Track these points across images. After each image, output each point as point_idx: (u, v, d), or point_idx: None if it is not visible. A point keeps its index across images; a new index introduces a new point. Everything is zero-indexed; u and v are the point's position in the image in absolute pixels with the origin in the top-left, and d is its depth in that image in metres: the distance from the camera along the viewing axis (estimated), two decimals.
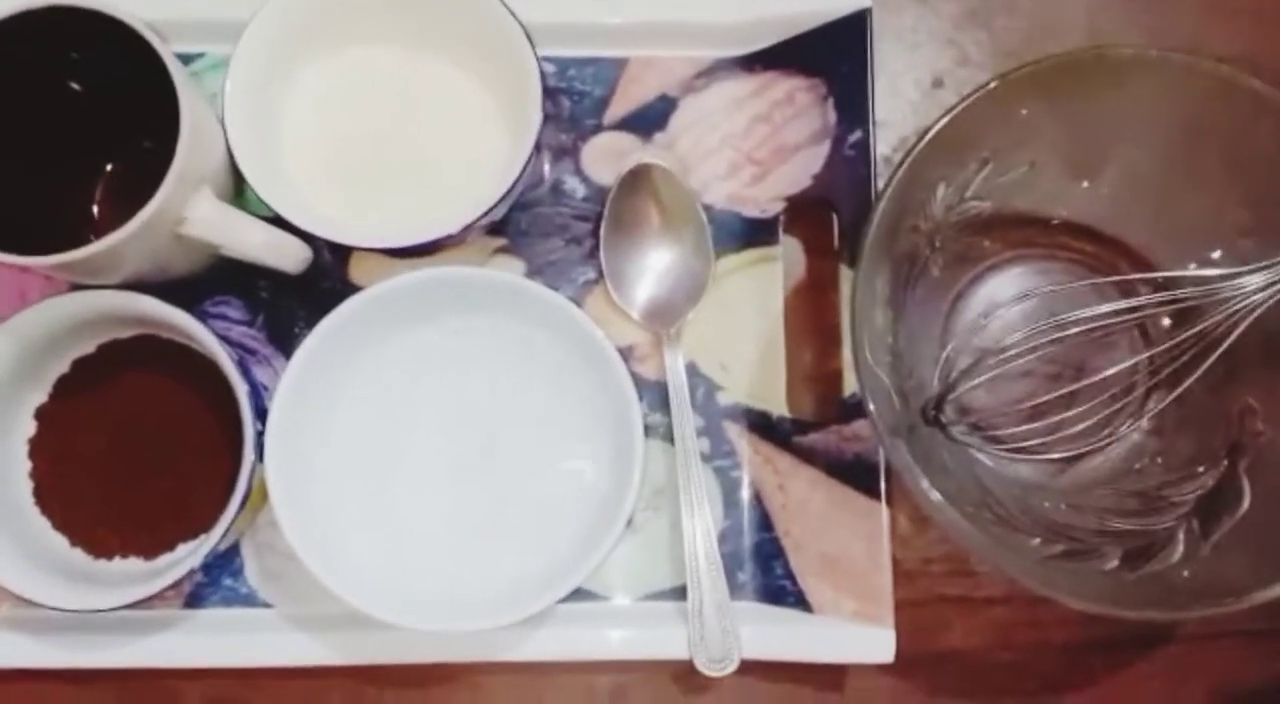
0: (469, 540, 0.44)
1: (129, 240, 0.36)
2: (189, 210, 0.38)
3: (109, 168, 0.45)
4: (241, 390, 0.40)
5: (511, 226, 0.47)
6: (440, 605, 0.42)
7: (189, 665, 0.44)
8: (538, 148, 0.42)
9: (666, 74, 0.48)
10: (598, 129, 0.47)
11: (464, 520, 0.44)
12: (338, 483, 0.43)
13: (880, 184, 0.46)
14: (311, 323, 0.42)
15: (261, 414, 0.41)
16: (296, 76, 0.44)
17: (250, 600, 0.45)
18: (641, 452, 0.41)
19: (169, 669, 0.44)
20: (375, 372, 0.44)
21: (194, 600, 0.45)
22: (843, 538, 0.44)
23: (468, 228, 0.41)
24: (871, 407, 0.39)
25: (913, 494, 0.38)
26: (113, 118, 0.43)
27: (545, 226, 0.47)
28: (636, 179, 0.46)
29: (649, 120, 0.47)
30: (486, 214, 0.41)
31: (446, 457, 0.45)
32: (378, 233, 0.42)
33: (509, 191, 0.41)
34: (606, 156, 0.47)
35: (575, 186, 0.47)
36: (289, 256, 0.42)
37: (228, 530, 0.40)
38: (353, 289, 0.43)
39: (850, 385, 0.46)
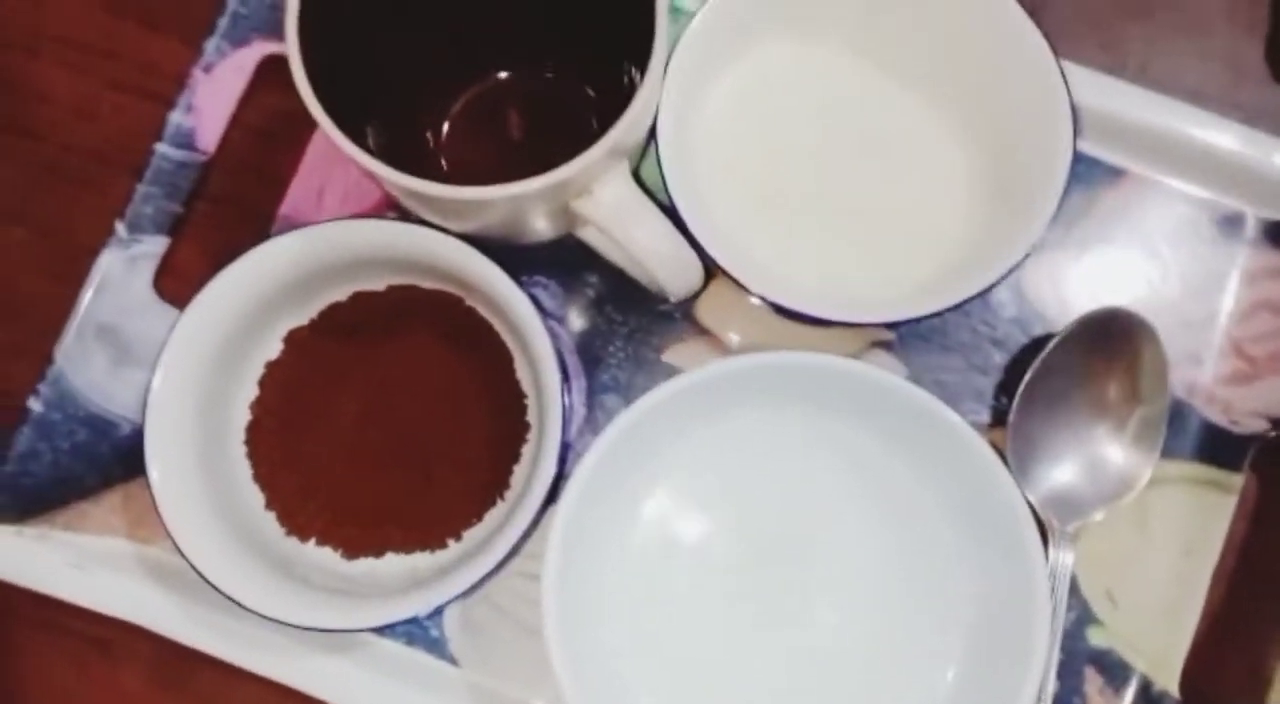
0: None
1: (524, 197, 0.27)
2: (601, 187, 0.29)
3: (502, 76, 0.35)
4: (556, 403, 0.31)
5: (906, 323, 0.37)
6: None
7: (340, 702, 0.34)
8: None
9: (1165, 209, 0.37)
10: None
11: (764, 682, 0.34)
12: (618, 593, 0.34)
13: None
14: (633, 344, 0.36)
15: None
16: (729, 65, 0.35)
17: (436, 648, 0.35)
18: (1042, 657, 0.31)
19: (312, 697, 0.35)
20: (693, 464, 0.35)
21: None
22: None
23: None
24: None
25: None
26: (541, 19, 0.33)
27: (949, 337, 0.37)
28: (1100, 327, 0.35)
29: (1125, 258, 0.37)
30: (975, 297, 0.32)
31: (754, 595, 0.35)
32: (808, 290, 0.33)
33: (1006, 274, 0.31)
34: (1059, 275, 0.37)
35: (1005, 300, 0.37)
36: (683, 277, 0.31)
37: (502, 563, 0.31)
38: (694, 326, 0.37)
39: None
